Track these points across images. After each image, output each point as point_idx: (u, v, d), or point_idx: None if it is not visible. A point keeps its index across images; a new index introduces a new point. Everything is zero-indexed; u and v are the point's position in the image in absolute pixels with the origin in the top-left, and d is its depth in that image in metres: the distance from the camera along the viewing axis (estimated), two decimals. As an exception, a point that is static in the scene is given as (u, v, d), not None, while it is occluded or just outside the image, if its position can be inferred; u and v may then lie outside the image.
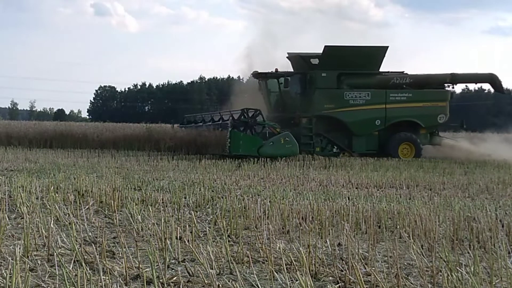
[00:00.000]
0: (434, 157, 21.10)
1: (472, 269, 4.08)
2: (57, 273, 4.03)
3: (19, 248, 4.48)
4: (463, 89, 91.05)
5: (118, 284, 3.91)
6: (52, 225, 5.28)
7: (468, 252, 5.02)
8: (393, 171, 14.37)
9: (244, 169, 14.07)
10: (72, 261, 4.32)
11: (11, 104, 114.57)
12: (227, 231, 5.81)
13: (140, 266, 4.26)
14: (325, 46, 20.76)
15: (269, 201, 7.79)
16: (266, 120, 19.64)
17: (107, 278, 3.93)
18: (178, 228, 5.45)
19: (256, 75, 21.62)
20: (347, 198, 8.61)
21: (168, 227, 5.54)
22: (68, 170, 12.60)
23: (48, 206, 6.96)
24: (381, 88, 21.43)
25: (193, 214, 6.39)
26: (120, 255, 4.61)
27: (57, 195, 7.92)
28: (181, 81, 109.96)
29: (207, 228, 5.97)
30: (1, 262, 4.43)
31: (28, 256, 4.60)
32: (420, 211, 6.83)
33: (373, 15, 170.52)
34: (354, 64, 20.90)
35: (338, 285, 4.10)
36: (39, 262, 4.45)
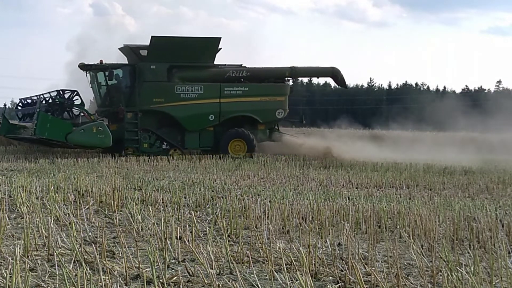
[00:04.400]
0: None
1: (472, 269, 4.07)
2: (57, 273, 4.04)
3: (19, 248, 4.49)
4: (463, 89, 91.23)
5: (118, 284, 3.91)
6: (52, 225, 5.29)
7: (468, 252, 5.02)
8: (393, 171, 14.38)
9: (244, 169, 14.08)
10: (72, 261, 4.32)
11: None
12: (227, 231, 5.81)
13: (140, 266, 4.26)
14: (152, 37, 19.58)
15: (269, 201, 7.79)
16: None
17: (107, 278, 3.93)
18: (178, 228, 5.45)
19: (83, 67, 19.88)
20: (347, 198, 8.61)
21: (168, 227, 5.54)
22: (68, 170, 12.60)
23: (48, 206, 6.96)
24: (215, 81, 20.26)
25: (193, 214, 6.39)
26: (120, 255, 4.61)
27: (57, 195, 7.92)
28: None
29: (207, 228, 5.97)
30: (1, 262, 4.43)
31: (28, 256, 4.60)
32: (420, 211, 6.82)
33: (371, 15, 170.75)
34: (185, 56, 19.78)
35: (338, 285, 4.10)
36: (39, 262, 4.45)
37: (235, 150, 19.93)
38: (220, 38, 20.35)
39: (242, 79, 20.77)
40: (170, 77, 19.90)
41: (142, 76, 19.64)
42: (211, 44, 20.30)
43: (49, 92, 18.93)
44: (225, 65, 21.15)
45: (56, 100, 18.21)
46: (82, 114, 18.62)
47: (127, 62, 20.70)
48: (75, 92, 18.78)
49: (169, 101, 19.64)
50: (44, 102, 18.30)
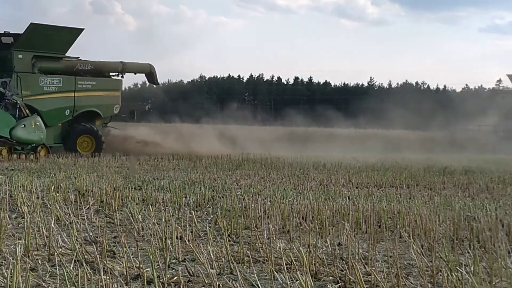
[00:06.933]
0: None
1: (472, 269, 4.08)
2: (57, 273, 4.04)
3: (20, 248, 4.50)
4: (463, 88, 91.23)
5: (119, 284, 3.92)
6: (52, 225, 5.29)
7: (468, 252, 5.02)
8: (393, 170, 14.38)
9: (244, 168, 14.08)
10: (73, 261, 4.32)
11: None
12: (228, 230, 5.81)
13: (141, 265, 4.26)
14: (31, 24, 18.61)
15: (270, 201, 7.80)
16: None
17: (108, 278, 3.94)
18: (179, 227, 5.46)
19: None
20: (347, 198, 8.61)
21: (168, 226, 5.54)
22: (68, 170, 12.61)
23: (49, 206, 6.97)
24: (67, 74, 19.75)
25: (193, 214, 6.40)
26: (121, 254, 4.62)
27: (57, 194, 7.93)
28: (181, 80, 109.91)
29: (208, 227, 5.98)
30: (2, 262, 4.44)
31: (28, 256, 4.61)
32: (420, 210, 6.83)
33: (370, 13, 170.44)
34: (43, 46, 18.86)
35: (338, 285, 4.11)
36: (39, 261, 4.46)
37: (82, 147, 19.45)
38: (82, 29, 19.79)
39: (82, 72, 20.23)
40: (33, 68, 19.04)
41: (10, 66, 18.56)
42: (70, 35, 19.61)
43: None
44: (69, 57, 20.45)
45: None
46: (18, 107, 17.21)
47: None
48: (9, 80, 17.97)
49: (34, 94, 18.78)
50: None
